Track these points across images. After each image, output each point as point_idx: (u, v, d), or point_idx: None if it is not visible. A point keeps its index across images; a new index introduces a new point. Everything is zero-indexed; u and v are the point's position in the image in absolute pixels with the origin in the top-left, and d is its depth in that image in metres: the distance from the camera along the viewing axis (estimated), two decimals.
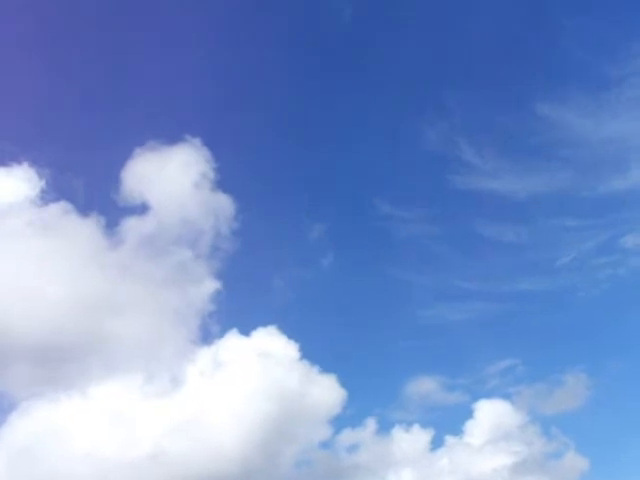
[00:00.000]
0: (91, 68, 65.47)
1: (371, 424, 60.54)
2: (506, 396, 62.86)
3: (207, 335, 58.03)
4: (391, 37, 69.55)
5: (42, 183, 57.77)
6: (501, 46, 70.94)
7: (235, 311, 60.04)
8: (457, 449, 60.39)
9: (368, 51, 69.57)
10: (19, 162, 57.94)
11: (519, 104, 69.59)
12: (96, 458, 49.48)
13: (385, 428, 61.01)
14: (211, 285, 58.83)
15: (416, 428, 60.45)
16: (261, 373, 56.09)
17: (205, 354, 56.64)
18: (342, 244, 66.83)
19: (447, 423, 62.85)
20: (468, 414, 60.98)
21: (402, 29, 69.85)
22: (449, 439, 60.70)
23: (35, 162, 58.03)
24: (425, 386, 63.57)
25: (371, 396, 62.48)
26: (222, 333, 57.33)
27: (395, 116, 69.48)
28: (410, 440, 60.07)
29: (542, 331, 66.15)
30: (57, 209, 57.04)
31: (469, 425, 60.82)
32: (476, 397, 61.93)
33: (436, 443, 60.29)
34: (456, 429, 60.84)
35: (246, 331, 57.04)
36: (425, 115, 69.39)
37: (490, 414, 61.26)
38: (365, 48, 69.71)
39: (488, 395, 62.47)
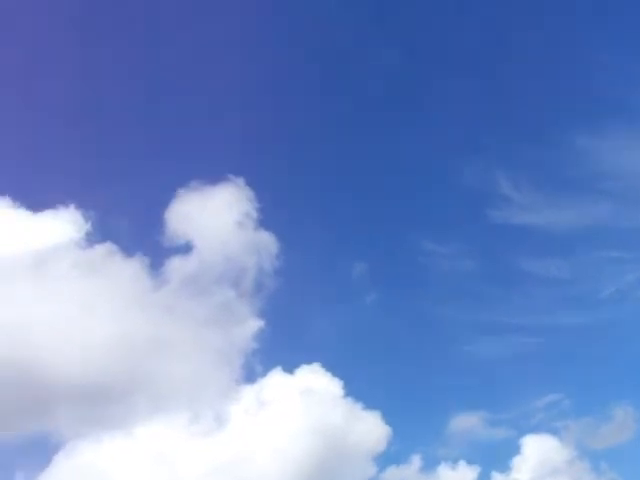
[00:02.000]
0: (134, 109, 66.38)
1: (416, 461, 60.05)
2: (553, 431, 62.16)
3: (251, 373, 58.32)
4: (428, 76, 69.85)
5: (88, 225, 58.60)
6: (537, 80, 70.79)
7: (278, 349, 60.22)
8: None
9: (406, 90, 69.80)
10: (66, 204, 58.84)
11: (556, 137, 69.38)
12: None
13: (430, 465, 60.50)
14: (254, 323, 59.18)
15: (462, 465, 59.79)
16: (305, 411, 56.26)
17: (249, 392, 56.99)
18: (384, 281, 66.81)
19: (493, 459, 62.08)
20: (515, 450, 60.29)
21: (438, 67, 70.03)
22: (496, 476, 59.92)
23: (81, 204, 58.87)
24: (470, 422, 63.09)
25: (416, 433, 62.02)
26: (266, 371, 57.65)
27: (432, 152, 69.63)
28: (456, 477, 59.40)
29: (587, 365, 65.46)
30: (102, 250, 57.78)
31: (516, 461, 60.07)
32: (522, 432, 61.30)
33: None
34: (503, 465, 60.14)
35: (290, 369, 57.36)
36: (462, 150, 69.43)
37: (537, 449, 60.54)
38: (404, 87, 70.00)
39: (534, 430, 61.79)
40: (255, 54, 68.52)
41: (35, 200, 57.91)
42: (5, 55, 63.05)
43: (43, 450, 53.29)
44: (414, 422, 62.38)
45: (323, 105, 69.04)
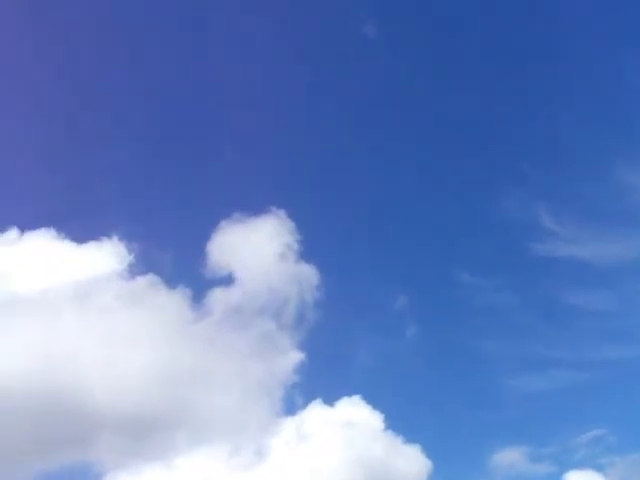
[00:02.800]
0: (177, 141, 66.95)
1: None
2: (597, 467, 61.12)
3: (291, 406, 58.27)
4: (468, 106, 69.85)
5: (131, 256, 59.13)
6: (579, 112, 70.53)
7: (319, 381, 60.07)
8: None
9: (445, 118, 69.86)
10: (109, 236, 59.51)
11: (598, 169, 68.89)
12: None
13: None
14: (295, 355, 59.22)
15: None
16: (346, 444, 55.98)
17: (289, 425, 56.86)
18: (425, 314, 66.49)
19: None
20: None
21: (478, 97, 70.03)
22: None
23: (124, 236, 59.56)
24: (512, 457, 62.36)
25: (457, 467, 61.35)
26: (306, 404, 57.53)
27: (472, 184, 69.49)
28: None
29: (632, 400, 64.46)
30: (145, 282, 58.26)
31: None
32: (564, 468, 60.34)
33: None
34: None
35: (330, 401, 57.18)
36: (502, 182, 69.24)
37: None
38: (443, 117, 70.07)
39: (578, 466, 60.72)
40: (298, 86, 69.03)
41: (79, 232, 58.73)
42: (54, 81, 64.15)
43: None
44: (455, 456, 61.91)
45: (363, 137, 69.28)
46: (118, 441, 53.36)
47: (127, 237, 59.41)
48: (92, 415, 51.94)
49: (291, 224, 61.67)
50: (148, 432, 53.79)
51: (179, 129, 67.70)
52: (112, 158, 64.54)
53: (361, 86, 69.59)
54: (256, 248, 61.94)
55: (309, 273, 61.74)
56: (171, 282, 58.22)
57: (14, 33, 62.70)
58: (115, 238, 59.44)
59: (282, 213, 61.68)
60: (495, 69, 71.53)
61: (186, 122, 67.50)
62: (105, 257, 58.91)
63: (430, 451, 56.70)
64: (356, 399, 57.25)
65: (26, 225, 57.84)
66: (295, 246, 61.59)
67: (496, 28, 72.18)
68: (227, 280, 60.12)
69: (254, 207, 61.60)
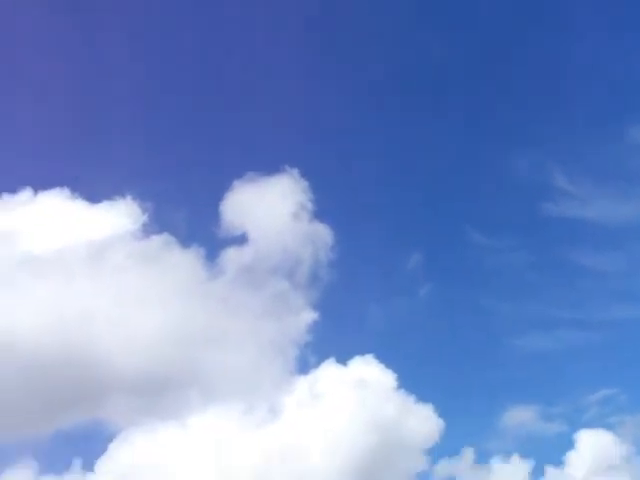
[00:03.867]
0: (189, 102, 66.91)
1: (469, 454, 59.91)
2: (608, 426, 61.42)
3: (304, 365, 58.62)
4: (479, 66, 69.53)
5: (144, 216, 59.18)
6: (592, 72, 70.06)
7: (332, 341, 60.44)
8: None
9: (458, 81, 69.55)
10: (123, 196, 59.55)
11: (612, 130, 68.50)
12: None
13: (483, 458, 60.33)
14: (308, 315, 59.42)
15: (515, 458, 59.39)
16: (358, 402, 56.16)
17: (302, 384, 57.07)
18: (438, 273, 66.76)
19: (547, 454, 61.70)
20: (569, 445, 59.64)
21: (491, 58, 69.64)
22: (550, 470, 59.45)
23: (138, 195, 59.55)
24: (522, 416, 62.79)
25: (468, 426, 61.92)
26: (319, 363, 57.76)
27: (485, 145, 69.29)
28: (509, 471, 59.05)
29: None
30: (159, 241, 58.40)
31: (570, 456, 59.46)
32: (576, 427, 60.72)
33: (536, 474, 59.19)
34: (557, 460, 59.60)
35: (343, 360, 57.37)
36: (515, 143, 68.97)
37: (592, 445, 59.81)
38: (456, 78, 69.77)
39: (588, 425, 61.12)
40: (309, 46, 68.79)
41: (92, 191, 58.88)
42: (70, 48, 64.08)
43: (99, 438, 54.26)
44: (467, 415, 62.42)
45: (376, 96, 69.13)
46: (131, 400, 53.95)
47: (141, 197, 59.52)
48: (106, 374, 52.41)
49: (305, 183, 61.64)
50: (161, 391, 54.33)
51: (192, 89, 67.72)
52: (125, 118, 64.55)
53: (379, 51, 69.18)
54: (269, 207, 61.98)
55: (322, 233, 61.87)
56: (185, 241, 58.53)
57: None
58: (129, 198, 59.56)
59: (295, 172, 61.62)
60: (508, 32, 70.93)
61: (199, 82, 67.52)
62: (119, 217, 59.02)
63: (442, 410, 57.04)
64: (369, 358, 57.43)
65: (40, 185, 58.08)
66: (309, 205, 61.64)
67: None
68: (240, 239, 60.37)
69: (267, 166, 61.67)
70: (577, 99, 69.84)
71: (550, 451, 62.08)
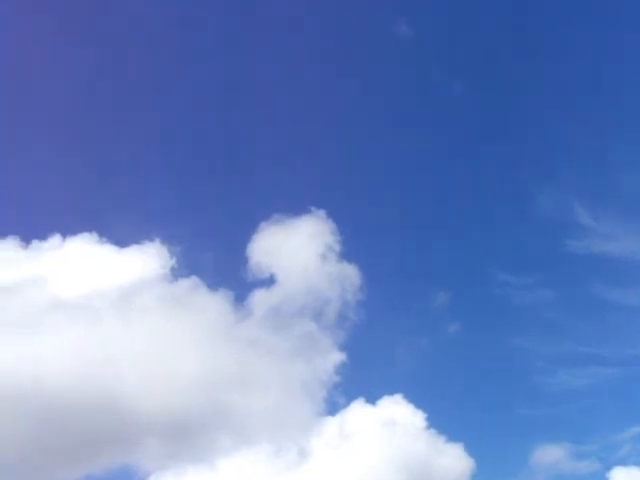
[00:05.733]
0: (216, 144, 67.41)
1: None
2: None
3: (333, 406, 58.51)
4: (500, 104, 69.68)
5: (173, 260, 59.61)
6: (614, 108, 70.05)
7: (360, 381, 60.32)
8: None
9: (479, 119, 69.69)
10: (151, 240, 60.03)
11: (634, 164, 68.26)
12: None
13: None
14: (336, 356, 59.38)
15: None
16: (388, 443, 56.06)
17: (331, 425, 57.05)
18: (464, 312, 66.41)
19: None
20: None
21: (510, 95, 69.85)
22: None
23: (166, 239, 60.01)
24: (554, 454, 62.07)
25: (499, 465, 61.24)
26: (348, 403, 57.71)
27: (507, 183, 69.31)
28: None
29: None
30: (187, 284, 58.77)
31: None
32: (608, 465, 60.01)
33: None
34: None
35: (372, 400, 57.34)
36: (537, 180, 68.98)
37: None
38: (476, 117, 69.92)
39: (621, 463, 60.38)
40: (335, 86, 69.16)
41: (121, 236, 59.40)
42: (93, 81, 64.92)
43: None
44: (498, 454, 61.84)
45: (401, 137, 69.28)
46: (161, 443, 54.10)
47: (169, 240, 59.98)
48: (135, 418, 52.60)
49: (331, 224, 61.86)
50: (191, 434, 54.39)
51: (218, 131, 68.14)
52: (152, 162, 65.28)
53: (398, 87, 69.57)
54: (297, 249, 62.20)
55: (350, 273, 61.91)
56: (213, 284, 58.82)
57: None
58: (157, 241, 60.05)
59: (322, 213, 61.87)
60: (525, 66, 71.09)
61: (225, 123, 67.91)
62: (147, 260, 59.46)
63: (472, 450, 56.83)
64: (398, 398, 57.38)
65: (68, 230, 58.68)
66: (336, 246, 61.78)
67: (525, 24, 71.68)
68: (268, 281, 60.58)
69: (294, 208, 61.98)
70: (599, 133, 69.73)
71: None
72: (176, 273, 59.19)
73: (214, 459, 53.75)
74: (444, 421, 58.23)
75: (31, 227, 59.93)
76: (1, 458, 49.79)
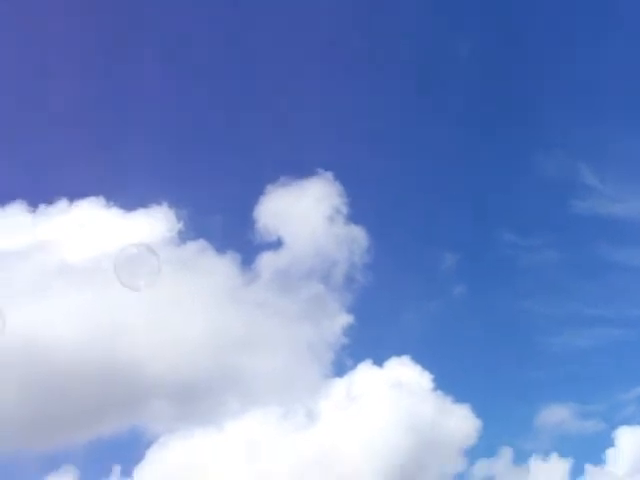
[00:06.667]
0: (221, 107, 67.04)
1: (507, 454, 59.44)
2: None
3: (340, 368, 58.73)
4: (505, 66, 69.08)
5: (180, 223, 59.63)
6: (621, 68, 69.43)
7: (368, 343, 60.50)
8: (599, 478, 58.95)
9: (482, 82, 69.12)
10: (159, 203, 59.97)
11: None
12: None
13: (521, 458, 59.95)
14: (344, 318, 59.56)
15: (554, 457, 59.07)
16: (395, 404, 56.39)
17: (339, 387, 57.39)
18: (471, 274, 66.44)
19: (586, 452, 61.26)
20: (608, 442, 59.18)
21: (516, 57, 69.28)
22: (589, 468, 59.18)
23: (173, 203, 59.89)
24: (560, 414, 62.32)
25: (506, 426, 61.59)
26: (355, 365, 57.97)
27: (511, 145, 68.90)
28: (548, 470, 58.74)
29: None
30: (195, 248, 58.87)
31: (610, 453, 59.15)
32: (614, 425, 60.23)
33: (576, 473, 58.87)
34: (597, 458, 59.30)
35: (379, 362, 57.59)
36: (542, 141, 68.46)
37: (633, 442, 59.43)
38: (480, 79, 69.35)
39: (627, 422, 60.67)
40: (341, 47, 68.69)
41: (128, 200, 59.24)
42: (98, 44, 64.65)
43: (138, 444, 54.85)
44: (504, 415, 62.11)
45: (409, 98, 68.87)
46: (169, 406, 54.57)
47: (176, 204, 59.78)
48: (143, 381, 53.06)
49: (339, 186, 61.63)
50: (199, 396, 54.87)
51: (224, 92, 67.76)
52: (158, 126, 65.02)
53: (411, 53, 69.02)
54: (304, 211, 62.15)
55: (357, 235, 61.86)
56: (220, 247, 58.85)
57: None
58: (164, 205, 59.86)
59: (329, 175, 61.58)
60: (534, 28, 70.49)
61: (230, 84, 67.60)
62: (155, 224, 59.44)
63: (479, 410, 57.02)
64: (405, 359, 57.55)
65: (75, 195, 58.60)
66: (343, 209, 61.63)
67: None
68: (276, 244, 60.61)
69: (301, 170, 61.73)
70: (605, 96, 69.22)
71: (589, 449, 61.70)
72: (183, 236, 59.28)
73: (222, 421, 54.19)
74: (451, 382, 58.64)
75: (38, 192, 60.05)
76: (8, 423, 50.31)
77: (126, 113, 65.47)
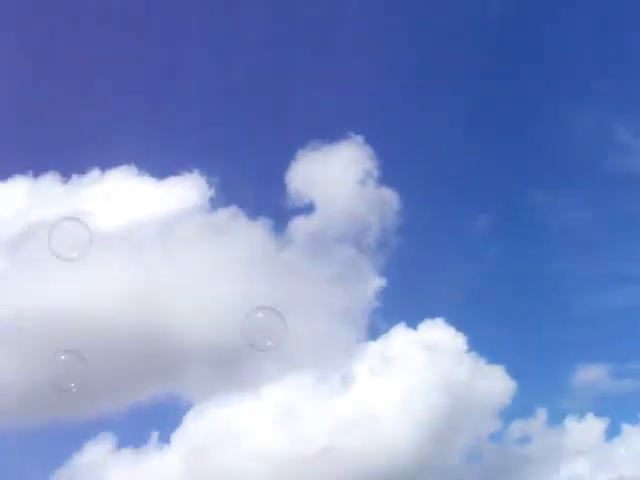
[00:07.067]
0: (247, 71, 66.86)
1: (542, 414, 59.45)
2: None
3: (374, 331, 58.93)
4: (537, 20, 68.23)
5: (211, 190, 59.82)
6: None
7: (401, 306, 60.63)
8: (635, 438, 58.79)
9: (514, 40, 68.42)
10: (190, 170, 60.18)
11: None
12: (268, 455, 51.33)
13: (556, 418, 60.04)
14: (377, 281, 59.65)
15: (590, 417, 59.10)
16: (429, 366, 56.67)
17: (373, 350, 57.63)
18: (504, 235, 66.19)
19: (622, 411, 61.12)
20: None
21: (548, 10, 68.38)
22: (626, 427, 59.12)
23: (204, 170, 60.08)
24: (595, 374, 62.27)
25: (541, 386, 61.73)
26: (389, 328, 58.11)
27: (544, 104, 68.19)
28: (583, 430, 58.75)
29: None
30: (227, 214, 59.06)
31: None
32: None
33: (612, 432, 58.92)
34: (633, 418, 59.15)
35: (413, 324, 57.72)
36: (575, 98, 67.80)
37: None
38: (511, 37, 68.65)
39: None
40: (371, 11, 68.17)
41: (159, 167, 59.62)
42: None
43: (175, 410, 55.56)
44: (539, 376, 62.30)
45: (438, 57, 68.35)
46: (206, 372, 55.10)
47: (207, 171, 59.99)
48: (179, 348, 53.41)
49: (370, 150, 61.43)
50: (235, 362, 55.09)
51: (254, 57, 67.49)
52: (188, 93, 65.07)
53: (440, 10, 68.44)
54: (335, 175, 62.07)
55: (389, 198, 61.67)
56: (252, 213, 58.96)
57: None
58: (196, 172, 60.09)
59: (360, 139, 61.39)
60: None
61: (260, 52, 67.35)
62: (186, 192, 59.71)
63: (514, 371, 57.04)
64: (439, 321, 57.58)
65: (107, 164, 58.91)
66: (375, 172, 61.42)
67: None
68: (307, 209, 60.62)
69: (331, 134, 61.55)
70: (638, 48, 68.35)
71: (625, 409, 61.56)
72: (215, 203, 59.48)
73: (258, 386, 54.57)
74: (485, 344, 58.72)
75: (70, 162, 60.26)
76: (46, 391, 50.92)
77: (155, 81, 65.74)
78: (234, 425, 53.02)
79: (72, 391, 25.32)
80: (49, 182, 58.11)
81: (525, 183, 67.28)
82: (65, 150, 62.89)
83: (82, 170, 58.58)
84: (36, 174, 58.18)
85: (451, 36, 68.83)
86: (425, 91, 68.25)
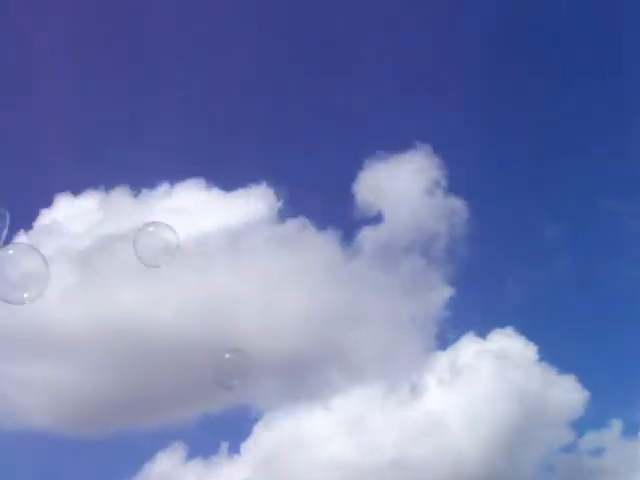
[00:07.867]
0: (315, 83, 66.92)
1: (616, 426, 58.34)
2: None
3: (443, 341, 58.63)
4: (600, 21, 67.41)
5: (280, 201, 60.17)
6: None
7: (470, 315, 59.99)
8: None
9: (583, 52, 67.65)
10: (258, 182, 60.56)
11: None
12: (338, 465, 51.45)
13: (632, 430, 58.71)
14: (446, 290, 59.38)
15: None
16: (500, 376, 56.32)
17: (442, 360, 57.44)
18: (574, 243, 65.27)
19: None
20: None
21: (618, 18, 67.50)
22: None
23: (272, 181, 60.31)
24: None
25: (614, 397, 60.36)
26: (458, 338, 57.83)
27: (612, 113, 67.36)
28: None
29: None
30: (295, 225, 59.33)
31: None
32: None
33: None
34: None
35: (482, 334, 57.42)
36: None
37: None
38: (580, 49, 67.92)
39: None
40: (436, 15, 68.04)
41: (228, 180, 60.03)
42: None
43: (244, 421, 56.02)
44: (613, 386, 60.99)
45: (503, 66, 67.88)
46: (275, 383, 55.27)
47: (275, 182, 60.19)
48: (249, 358, 53.65)
49: (437, 159, 61.23)
50: (303, 373, 55.47)
51: (319, 68, 67.53)
52: (254, 106, 65.47)
53: (503, 22, 68.01)
54: (403, 185, 61.96)
55: (458, 207, 61.28)
56: (320, 224, 59.00)
57: None
58: (264, 184, 60.38)
59: (427, 148, 61.21)
60: None
61: (327, 60, 67.25)
62: (255, 203, 60.12)
63: (586, 381, 56.31)
64: (508, 331, 57.14)
65: (176, 178, 59.68)
66: (442, 181, 61.13)
67: None
68: (375, 219, 60.49)
69: (398, 144, 61.41)
70: None
71: None
72: (283, 214, 59.74)
73: (327, 398, 54.81)
74: (556, 353, 57.84)
75: (140, 176, 61.02)
76: (118, 400, 51.77)
77: (223, 95, 66.17)
78: (303, 435, 53.33)
79: (236, 389, 26.06)
80: (120, 196, 59.17)
81: (596, 190, 66.45)
82: (134, 165, 63.76)
83: (152, 184, 59.61)
84: (107, 189, 59.26)
85: (517, 42, 68.56)
86: (494, 99, 67.80)
